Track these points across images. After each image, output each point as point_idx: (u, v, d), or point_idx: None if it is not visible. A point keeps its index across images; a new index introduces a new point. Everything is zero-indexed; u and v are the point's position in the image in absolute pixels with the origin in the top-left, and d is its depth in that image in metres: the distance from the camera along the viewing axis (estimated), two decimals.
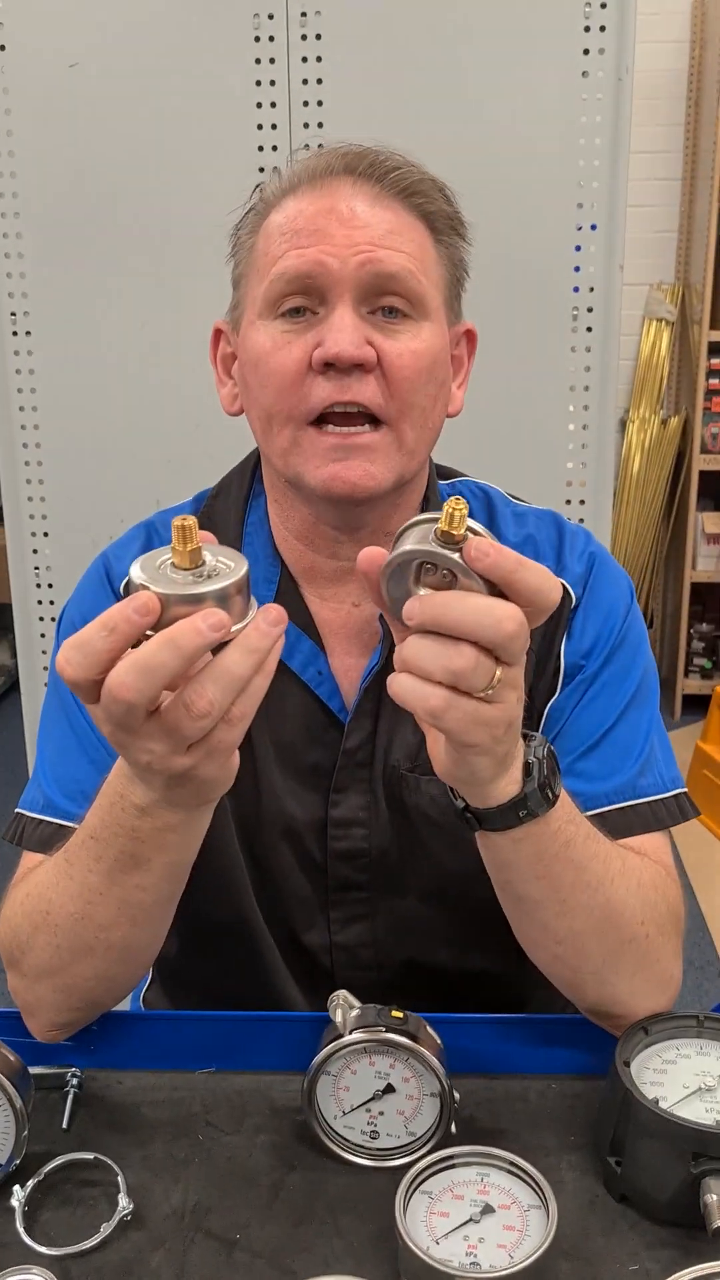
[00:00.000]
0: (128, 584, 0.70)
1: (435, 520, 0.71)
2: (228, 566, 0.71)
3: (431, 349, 0.98)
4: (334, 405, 0.95)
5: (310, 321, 0.96)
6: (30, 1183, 0.84)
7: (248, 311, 1.01)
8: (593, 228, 1.82)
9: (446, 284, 1.02)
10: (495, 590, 0.72)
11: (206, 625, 0.67)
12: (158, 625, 0.68)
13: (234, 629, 0.70)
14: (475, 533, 0.71)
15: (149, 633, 0.69)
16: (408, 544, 0.72)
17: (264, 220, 1.00)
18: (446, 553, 0.71)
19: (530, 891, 0.88)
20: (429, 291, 0.98)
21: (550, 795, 0.82)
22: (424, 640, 0.72)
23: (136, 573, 0.70)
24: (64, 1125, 0.91)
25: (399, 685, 0.74)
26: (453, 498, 0.70)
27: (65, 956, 0.91)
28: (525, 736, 0.83)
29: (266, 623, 0.72)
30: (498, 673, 0.72)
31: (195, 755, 0.73)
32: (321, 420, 0.96)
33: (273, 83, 1.84)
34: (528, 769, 0.81)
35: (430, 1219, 0.79)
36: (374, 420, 0.96)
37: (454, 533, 0.71)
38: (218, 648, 0.70)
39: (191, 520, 0.70)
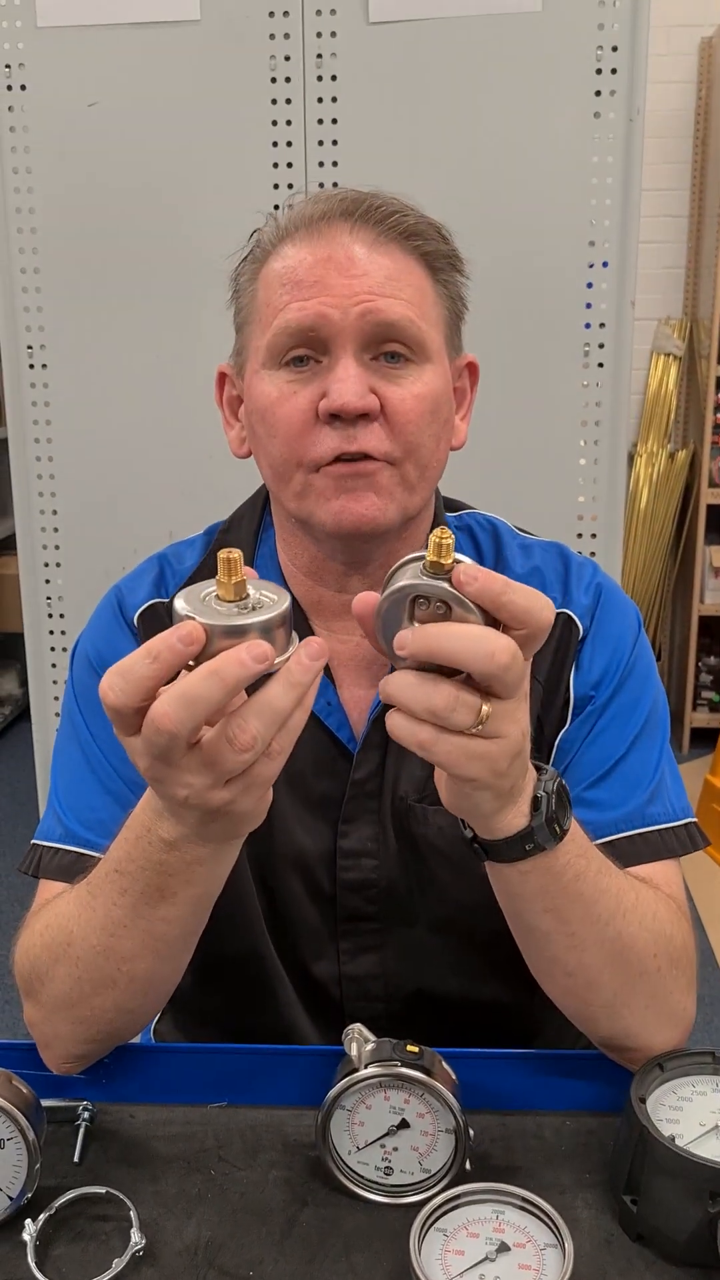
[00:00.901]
0: (173, 614, 0.71)
1: (423, 556, 0.72)
2: (271, 600, 0.71)
3: (434, 391, 0.99)
4: (342, 455, 0.96)
5: (314, 370, 0.97)
6: (42, 1217, 0.83)
7: (251, 360, 1.02)
8: (604, 265, 1.84)
9: (446, 322, 1.03)
10: (491, 620, 0.72)
11: (250, 657, 0.67)
12: (201, 657, 0.69)
13: (276, 661, 0.70)
14: (461, 563, 0.71)
15: (191, 664, 0.69)
16: (399, 582, 0.72)
17: (263, 267, 1.01)
18: (437, 583, 0.71)
19: (539, 923, 0.88)
20: (429, 334, 0.99)
21: (558, 830, 0.82)
22: (406, 676, 0.72)
23: (181, 604, 0.70)
24: (76, 1159, 0.91)
25: (391, 720, 0.74)
26: (438, 529, 0.71)
27: (85, 988, 0.91)
28: (537, 769, 0.83)
29: (308, 656, 0.71)
30: (484, 708, 0.72)
31: (234, 789, 0.73)
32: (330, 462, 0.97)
33: (289, 123, 1.87)
34: (536, 803, 0.81)
35: (445, 1257, 0.78)
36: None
37: (443, 562, 0.71)
38: (258, 681, 0.70)
39: (237, 553, 0.70)
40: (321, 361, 0.97)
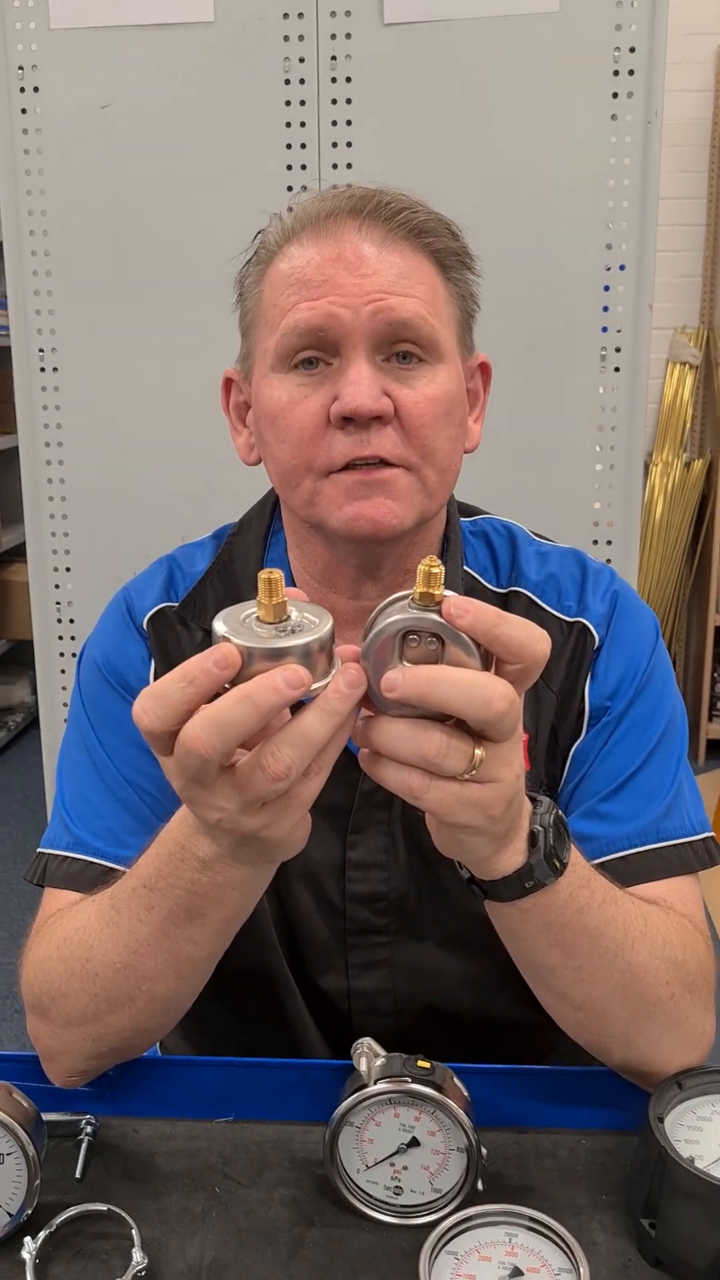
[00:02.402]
0: (211, 635, 0.69)
1: (408, 595, 0.69)
2: (312, 622, 0.69)
3: (448, 392, 0.96)
4: (355, 460, 0.93)
5: (325, 373, 0.95)
6: (41, 1234, 0.81)
7: (259, 364, 0.99)
8: (621, 268, 1.82)
9: (458, 321, 1.01)
10: (486, 652, 0.69)
11: (285, 683, 0.65)
12: (238, 679, 0.66)
13: (314, 687, 0.67)
14: (451, 597, 0.68)
15: (227, 686, 0.67)
16: (389, 619, 0.69)
17: (268, 268, 0.99)
18: (429, 615, 0.68)
19: (545, 959, 0.85)
20: (441, 333, 0.96)
21: (558, 864, 0.79)
22: (394, 723, 0.69)
23: (220, 625, 0.68)
24: (77, 1175, 0.88)
25: (379, 768, 0.71)
26: (427, 559, 0.67)
27: (102, 1006, 0.89)
28: (533, 799, 0.80)
29: (347, 685, 0.68)
30: (478, 753, 0.69)
31: (269, 814, 0.70)
32: (342, 467, 0.95)
33: (302, 124, 1.86)
34: (533, 838, 0.78)
35: None
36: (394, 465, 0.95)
37: (433, 593, 0.67)
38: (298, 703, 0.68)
39: (278, 574, 0.68)
40: (332, 363, 0.95)
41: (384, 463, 0.94)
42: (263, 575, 0.68)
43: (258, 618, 0.69)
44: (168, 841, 0.81)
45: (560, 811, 0.81)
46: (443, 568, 0.68)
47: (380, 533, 0.95)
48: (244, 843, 0.74)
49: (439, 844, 0.77)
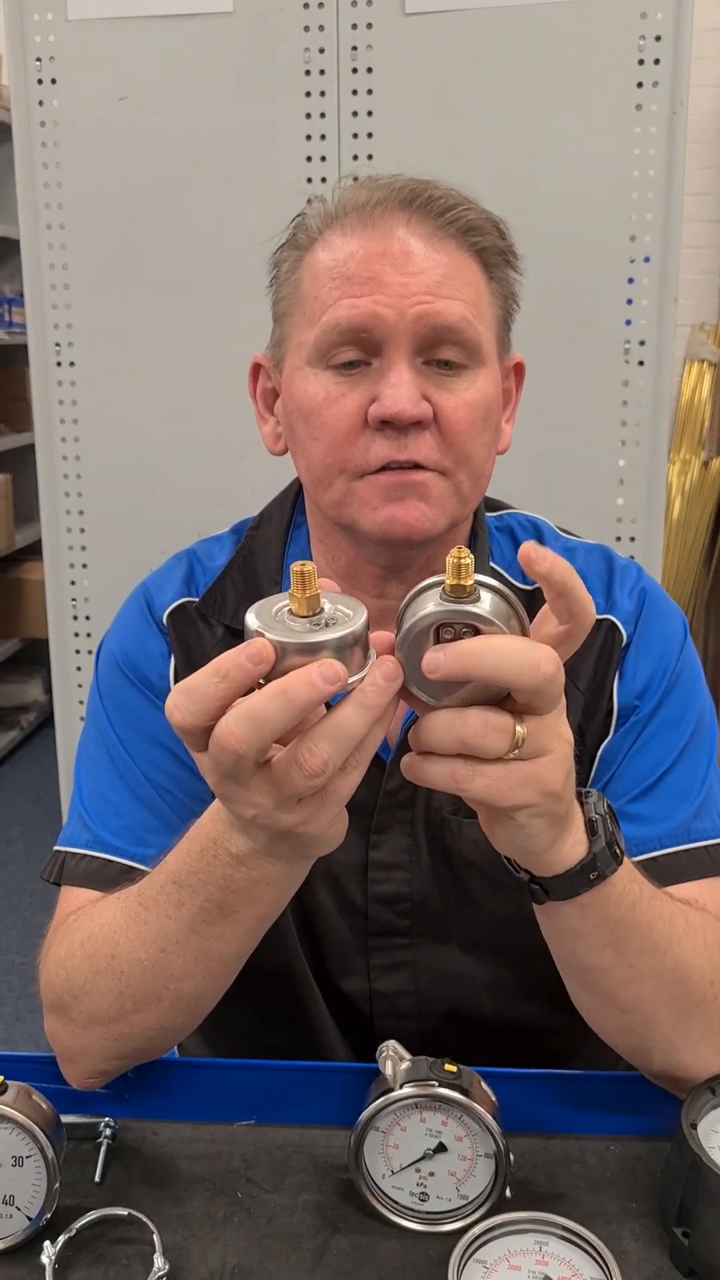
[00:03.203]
0: (244, 629, 0.67)
1: (440, 582, 0.67)
2: (346, 615, 0.67)
3: (486, 397, 0.94)
4: (391, 463, 0.92)
5: (364, 373, 0.93)
6: (61, 1239, 0.80)
7: (293, 354, 0.97)
8: (645, 260, 1.80)
9: (499, 321, 0.99)
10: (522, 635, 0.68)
11: (320, 678, 0.63)
12: (272, 674, 0.65)
13: (350, 680, 0.65)
14: (484, 584, 0.67)
15: (262, 681, 0.65)
16: (421, 610, 0.67)
17: (307, 255, 0.96)
18: (463, 607, 0.66)
19: (598, 960, 0.83)
20: (484, 336, 0.94)
21: (618, 852, 0.78)
22: (429, 716, 0.68)
23: (252, 619, 0.67)
24: (97, 1178, 0.87)
25: (420, 767, 0.70)
26: (455, 549, 0.66)
27: (128, 1005, 0.87)
28: (580, 793, 0.78)
29: (383, 678, 0.67)
30: (519, 729, 0.68)
31: (306, 810, 0.69)
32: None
33: (323, 115, 1.84)
34: (591, 826, 0.77)
35: None
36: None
37: (464, 584, 0.66)
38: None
39: (311, 566, 0.66)
40: (372, 363, 0.92)
41: (418, 465, 0.92)
42: (295, 568, 0.66)
43: (290, 611, 0.67)
44: (199, 837, 0.79)
45: (607, 800, 0.80)
46: (472, 558, 0.66)
47: (413, 535, 0.93)
48: (280, 839, 0.72)
49: (498, 843, 0.75)
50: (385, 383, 0.91)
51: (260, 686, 0.65)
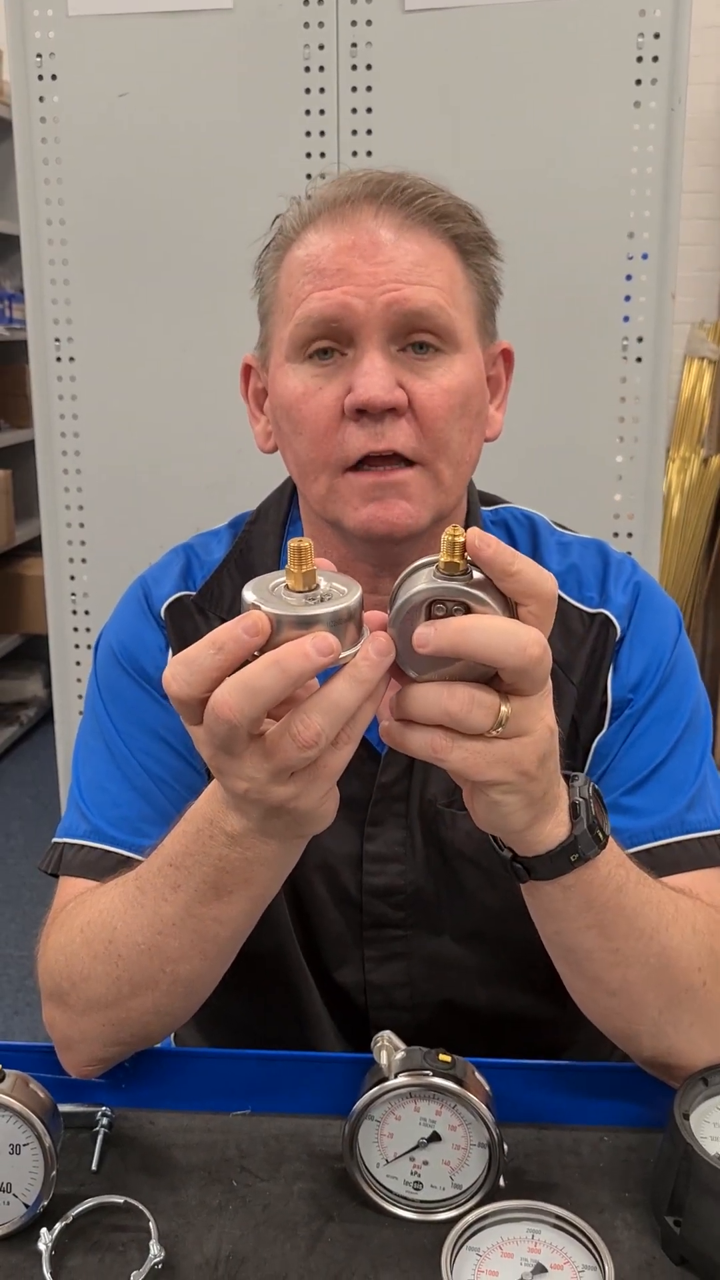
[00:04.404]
0: (241, 603, 0.69)
1: (434, 560, 0.69)
2: (341, 591, 0.69)
3: (464, 383, 0.95)
4: (369, 453, 0.92)
5: (339, 363, 0.93)
6: (58, 1226, 0.80)
7: (275, 352, 0.98)
8: (644, 257, 1.80)
9: (478, 308, 0.99)
10: (511, 616, 0.69)
11: (314, 649, 0.65)
12: (267, 647, 0.67)
13: (343, 655, 0.67)
14: (476, 563, 0.68)
15: (257, 654, 0.67)
16: (413, 589, 0.69)
17: (286, 255, 0.97)
18: (455, 584, 0.68)
19: (581, 942, 0.84)
20: (459, 322, 0.95)
21: (600, 836, 0.79)
22: (418, 686, 0.69)
23: (249, 593, 0.68)
24: (94, 1166, 0.88)
25: (402, 734, 0.71)
26: (450, 527, 0.67)
27: (125, 989, 0.88)
28: (568, 777, 0.79)
29: (376, 652, 0.68)
30: (504, 708, 0.69)
31: (297, 784, 0.70)
32: (357, 464, 0.94)
33: (322, 112, 1.84)
34: (574, 809, 0.78)
35: (479, 1277, 0.74)
36: (409, 461, 0.94)
37: (457, 562, 0.68)
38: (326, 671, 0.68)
39: (307, 542, 0.68)
40: (346, 354, 0.93)
41: (398, 457, 0.93)
42: (292, 544, 0.68)
43: (287, 586, 0.69)
44: (195, 818, 0.80)
45: (596, 785, 0.81)
46: (464, 534, 0.68)
47: (396, 532, 0.94)
48: (273, 815, 0.73)
49: (477, 817, 0.76)
50: (358, 371, 0.92)
51: (255, 660, 0.67)
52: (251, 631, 0.66)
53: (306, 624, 0.66)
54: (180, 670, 0.68)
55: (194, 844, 0.80)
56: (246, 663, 0.67)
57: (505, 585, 0.68)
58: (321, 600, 0.68)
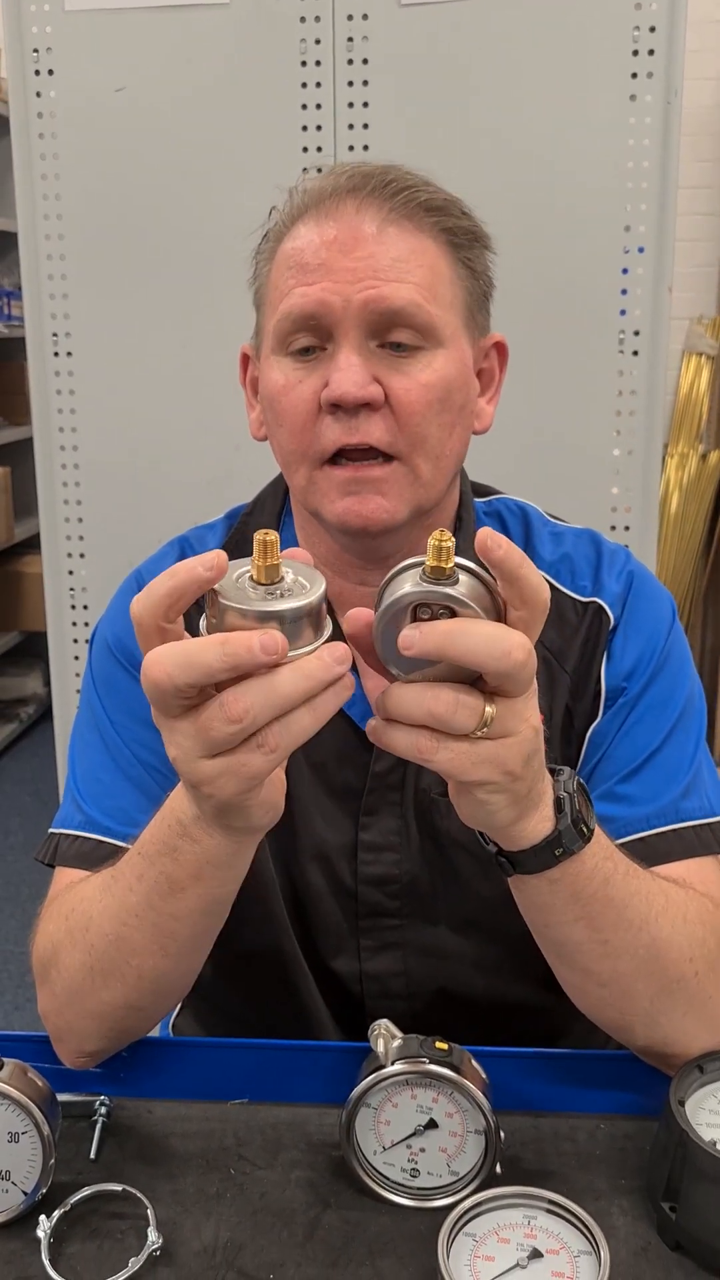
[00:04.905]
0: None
1: (422, 562, 0.68)
2: (303, 587, 0.68)
3: (444, 378, 0.95)
4: (344, 446, 0.93)
5: (319, 359, 0.94)
6: (56, 1213, 0.81)
7: (264, 344, 1.00)
8: (640, 250, 1.80)
9: (466, 302, 0.99)
10: (496, 620, 0.69)
11: (260, 647, 0.65)
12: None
13: (295, 654, 0.67)
14: (464, 567, 0.68)
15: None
16: (399, 591, 0.69)
17: (278, 247, 0.98)
18: (441, 589, 0.67)
19: (570, 935, 0.84)
20: (441, 318, 0.95)
21: (585, 830, 0.79)
22: (403, 687, 0.69)
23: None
24: (92, 1155, 0.88)
25: (387, 733, 0.71)
26: (437, 531, 0.67)
27: (96, 979, 0.88)
28: (553, 771, 0.79)
29: (331, 656, 0.68)
30: (488, 710, 0.69)
31: (217, 766, 0.69)
32: (335, 457, 0.94)
33: (318, 107, 1.84)
34: (559, 804, 0.78)
35: (475, 1263, 0.75)
36: (387, 456, 0.94)
37: (444, 566, 0.67)
38: None
39: (273, 535, 0.67)
40: (326, 349, 0.94)
41: (374, 451, 0.93)
42: (258, 536, 0.67)
43: (251, 577, 0.68)
44: (164, 809, 0.81)
45: (581, 779, 0.81)
46: (454, 540, 0.68)
47: (371, 527, 0.95)
48: (202, 798, 0.73)
49: (462, 814, 0.77)
50: (334, 367, 0.92)
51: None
52: (206, 565, 0.66)
53: (259, 620, 0.66)
54: (144, 599, 0.69)
55: (157, 830, 0.81)
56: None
57: (508, 588, 0.68)
58: (282, 596, 0.67)
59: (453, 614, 0.68)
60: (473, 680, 0.70)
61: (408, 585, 0.68)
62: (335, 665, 0.68)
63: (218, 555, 0.66)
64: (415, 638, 0.67)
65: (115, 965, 0.87)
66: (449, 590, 0.67)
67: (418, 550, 0.98)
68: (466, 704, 0.68)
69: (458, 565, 0.68)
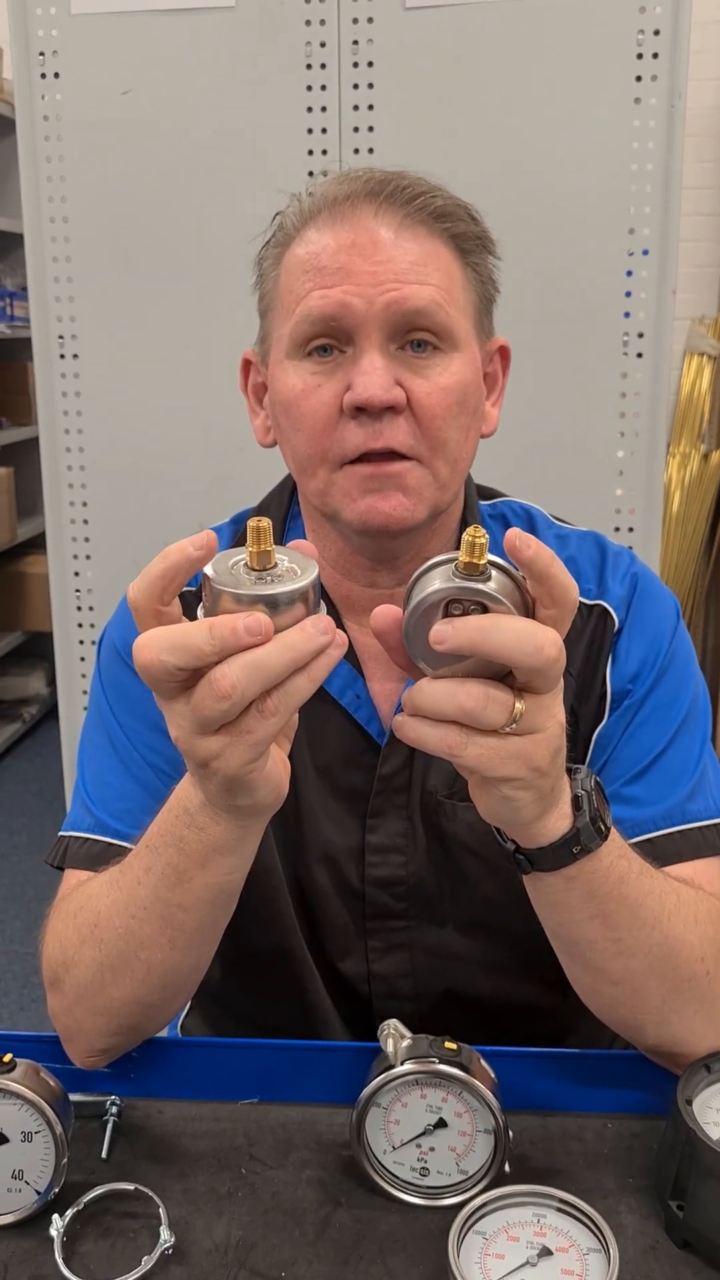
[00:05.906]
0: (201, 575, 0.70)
1: (452, 559, 0.69)
2: (295, 573, 0.70)
3: (462, 381, 0.96)
4: (367, 450, 0.93)
5: (338, 361, 0.95)
6: (69, 1212, 0.81)
7: (274, 348, 0.99)
8: (644, 253, 1.81)
9: (476, 306, 1.00)
10: (527, 616, 0.70)
11: (244, 628, 0.66)
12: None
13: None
14: (495, 564, 0.69)
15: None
16: (431, 586, 0.69)
17: (286, 252, 0.98)
18: (474, 585, 0.68)
19: (584, 933, 0.85)
20: (457, 321, 0.96)
21: (602, 828, 0.79)
22: (433, 682, 0.70)
23: (208, 567, 0.70)
24: (103, 1155, 0.88)
25: (415, 728, 0.71)
26: (471, 527, 0.68)
27: (106, 975, 0.89)
28: (570, 769, 0.80)
29: (313, 626, 0.69)
30: (518, 706, 0.69)
31: (221, 740, 0.70)
32: (355, 457, 0.95)
33: (323, 109, 1.85)
34: (577, 802, 0.78)
35: (485, 1261, 0.75)
36: (405, 459, 0.95)
37: (477, 563, 0.68)
38: None
39: (266, 522, 0.69)
40: (345, 351, 0.94)
41: (396, 454, 0.94)
42: (251, 522, 0.69)
43: (245, 564, 0.70)
44: (169, 801, 0.82)
45: (598, 777, 0.82)
46: (488, 537, 0.68)
47: (393, 525, 0.95)
48: (206, 776, 0.73)
49: (483, 811, 0.77)
50: (357, 370, 0.93)
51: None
52: (196, 545, 0.68)
53: (249, 602, 0.67)
54: (141, 583, 0.71)
55: (164, 821, 0.82)
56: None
57: (538, 587, 0.69)
58: (275, 581, 0.69)
59: (484, 610, 0.69)
60: (500, 677, 0.71)
61: (439, 581, 0.69)
62: (318, 635, 0.68)
63: (207, 535, 0.68)
64: (449, 632, 0.67)
65: (125, 959, 0.88)
66: (482, 586, 0.68)
67: (428, 553, 0.99)
68: (497, 699, 0.69)
69: (490, 562, 0.69)
